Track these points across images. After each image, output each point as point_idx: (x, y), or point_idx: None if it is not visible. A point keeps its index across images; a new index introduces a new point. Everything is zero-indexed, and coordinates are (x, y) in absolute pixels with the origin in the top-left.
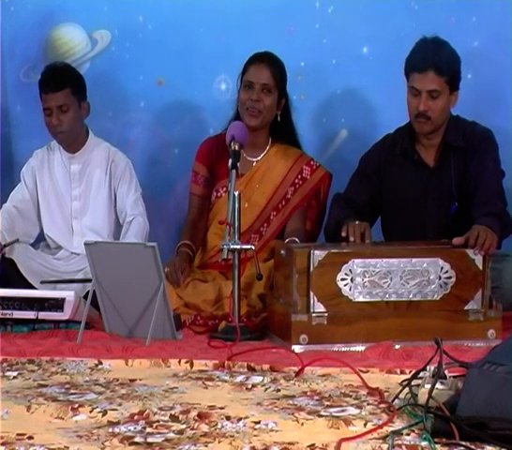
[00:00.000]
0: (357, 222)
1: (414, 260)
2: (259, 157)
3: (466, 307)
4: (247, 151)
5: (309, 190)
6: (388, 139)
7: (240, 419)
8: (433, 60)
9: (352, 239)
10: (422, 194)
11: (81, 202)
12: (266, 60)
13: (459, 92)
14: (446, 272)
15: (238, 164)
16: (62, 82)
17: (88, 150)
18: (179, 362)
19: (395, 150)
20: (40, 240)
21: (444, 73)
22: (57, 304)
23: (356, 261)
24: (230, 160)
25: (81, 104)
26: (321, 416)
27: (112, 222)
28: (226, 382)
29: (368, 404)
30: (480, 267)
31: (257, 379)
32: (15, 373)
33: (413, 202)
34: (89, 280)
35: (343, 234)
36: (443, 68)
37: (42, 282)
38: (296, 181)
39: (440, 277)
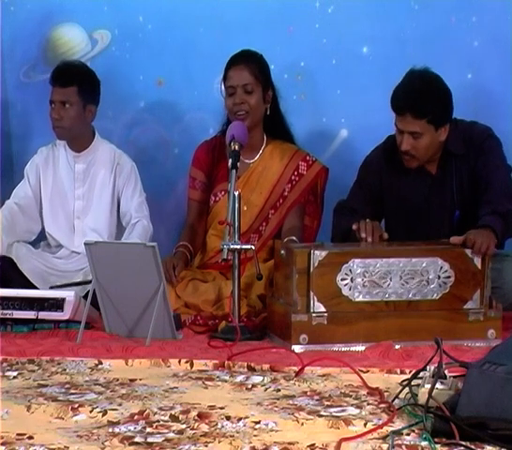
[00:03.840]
0: (368, 220)
1: (413, 259)
2: (255, 158)
3: (465, 307)
4: (242, 153)
5: (306, 186)
6: (389, 143)
7: (240, 419)
8: (410, 103)
9: (363, 235)
10: (424, 202)
11: (83, 202)
12: (242, 60)
13: (448, 126)
14: (445, 271)
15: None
16: (71, 79)
17: (93, 150)
18: (179, 362)
19: (396, 157)
20: (41, 239)
21: (422, 116)
22: (57, 304)
23: (356, 260)
24: (229, 160)
25: (86, 106)
26: (321, 416)
27: (114, 223)
28: (226, 381)
29: (369, 404)
30: (479, 267)
31: (257, 379)
32: (15, 373)
33: (415, 210)
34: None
35: (354, 227)
36: (420, 111)
37: (51, 287)
38: (293, 178)
39: (439, 277)
